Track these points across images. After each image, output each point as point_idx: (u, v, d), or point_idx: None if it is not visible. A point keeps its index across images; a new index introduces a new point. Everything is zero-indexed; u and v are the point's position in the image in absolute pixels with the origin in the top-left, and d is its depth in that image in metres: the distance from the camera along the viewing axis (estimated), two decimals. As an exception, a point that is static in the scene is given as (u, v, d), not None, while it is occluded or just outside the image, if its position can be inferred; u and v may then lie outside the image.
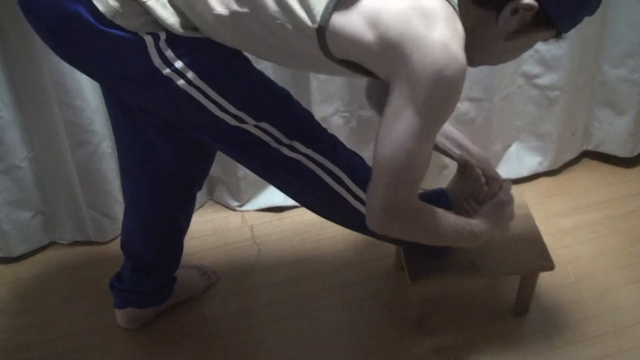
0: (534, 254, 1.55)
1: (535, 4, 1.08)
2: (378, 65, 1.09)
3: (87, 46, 1.12)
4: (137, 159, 1.40)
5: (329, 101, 1.84)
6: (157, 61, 1.11)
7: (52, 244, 1.90)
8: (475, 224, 1.29)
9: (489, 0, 1.10)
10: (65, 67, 1.55)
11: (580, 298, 1.68)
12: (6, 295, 1.74)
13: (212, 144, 1.32)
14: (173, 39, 1.11)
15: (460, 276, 1.51)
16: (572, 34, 1.80)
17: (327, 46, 1.08)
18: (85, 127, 1.67)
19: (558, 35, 1.17)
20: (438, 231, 1.23)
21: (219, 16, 1.08)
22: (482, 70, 1.76)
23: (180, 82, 1.14)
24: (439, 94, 1.04)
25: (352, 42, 1.06)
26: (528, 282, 1.58)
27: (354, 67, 1.12)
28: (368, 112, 1.90)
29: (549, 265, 1.53)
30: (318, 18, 1.04)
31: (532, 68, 1.95)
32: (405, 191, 1.14)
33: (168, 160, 1.38)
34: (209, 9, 1.08)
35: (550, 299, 1.68)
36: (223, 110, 1.18)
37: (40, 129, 1.69)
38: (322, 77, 1.80)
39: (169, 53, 1.11)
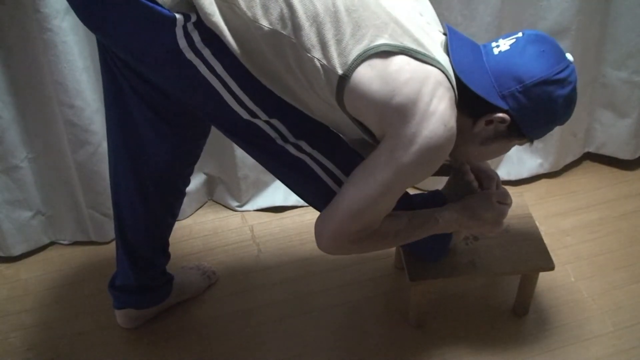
0: (534, 254, 1.55)
1: (508, 118, 1.19)
2: (379, 124, 1.15)
3: (118, 14, 1.10)
4: (126, 150, 1.39)
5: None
6: (182, 43, 1.10)
7: (52, 244, 1.90)
8: (442, 214, 1.35)
9: (467, 108, 1.19)
10: (65, 67, 1.55)
11: (580, 298, 1.68)
12: (6, 295, 1.74)
13: (219, 130, 1.31)
14: (203, 23, 1.09)
15: (460, 276, 1.51)
16: (573, 35, 1.83)
17: (342, 96, 1.12)
18: (85, 127, 1.67)
19: (531, 141, 1.28)
20: (389, 241, 1.33)
21: (259, 27, 1.09)
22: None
23: (202, 68, 1.13)
24: (425, 162, 1.14)
25: (365, 98, 1.11)
26: (528, 282, 1.58)
27: (358, 123, 1.19)
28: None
29: (549, 265, 1.53)
30: (347, 66, 1.09)
31: (533, 69, 1.95)
32: (356, 229, 1.24)
33: (155, 152, 1.37)
34: (252, 19, 1.08)
35: (550, 299, 1.68)
36: (240, 103, 1.18)
37: (40, 129, 1.69)
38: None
39: (196, 37, 1.10)
